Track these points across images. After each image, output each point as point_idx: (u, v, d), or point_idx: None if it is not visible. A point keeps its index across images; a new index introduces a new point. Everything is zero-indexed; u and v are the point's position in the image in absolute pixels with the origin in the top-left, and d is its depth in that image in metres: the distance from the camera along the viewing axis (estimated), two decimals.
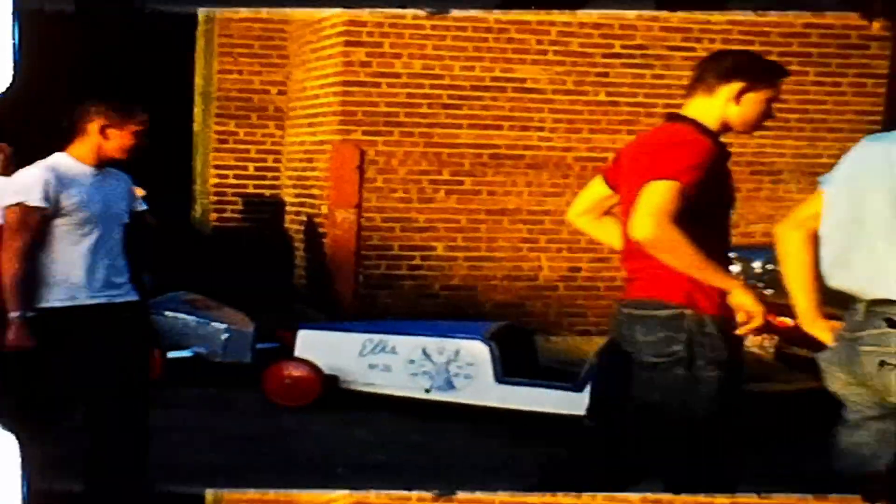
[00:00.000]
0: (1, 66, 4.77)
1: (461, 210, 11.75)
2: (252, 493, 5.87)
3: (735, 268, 9.94)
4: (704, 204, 4.81)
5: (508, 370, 8.94)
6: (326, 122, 11.85)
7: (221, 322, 10.05)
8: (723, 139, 5.10)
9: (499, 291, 11.81)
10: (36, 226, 5.76)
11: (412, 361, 9.05)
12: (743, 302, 4.84)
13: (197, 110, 12.95)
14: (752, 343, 9.42)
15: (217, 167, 12.93)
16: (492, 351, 8.93)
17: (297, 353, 9.35)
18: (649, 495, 5.24)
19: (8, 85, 4.82)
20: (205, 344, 9.99)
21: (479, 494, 5.48)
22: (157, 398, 9.29)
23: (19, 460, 4.75)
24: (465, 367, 8.95)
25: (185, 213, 12.99)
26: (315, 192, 12.13)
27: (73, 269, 5.86)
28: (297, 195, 12.57)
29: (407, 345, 9.10)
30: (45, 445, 4.96)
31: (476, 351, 8.96)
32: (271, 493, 5.81)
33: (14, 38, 4.72)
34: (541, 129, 11.79)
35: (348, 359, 9.20)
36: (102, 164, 5.99)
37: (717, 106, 5.08)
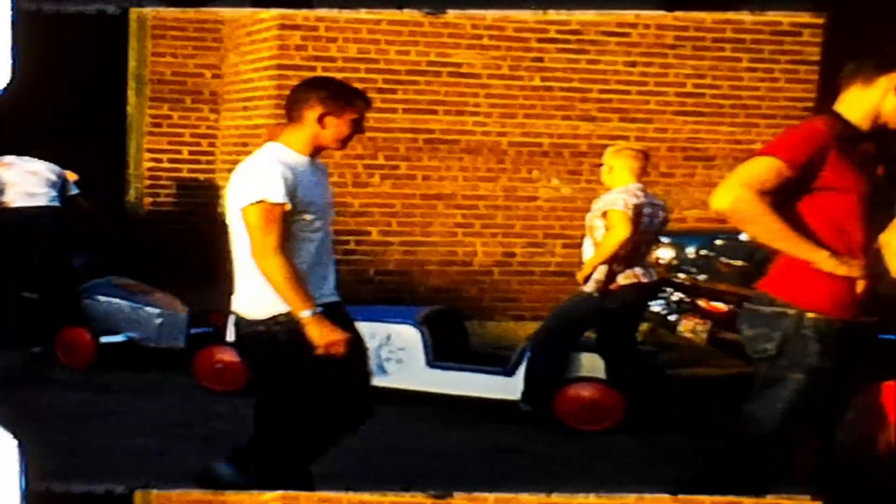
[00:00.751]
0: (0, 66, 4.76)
1: (396, 195, 11.74)
2: (180, 493, 5.82)
3: (668, 253, 10.02)
4: (813, 187, 4.76)
5: (440, 355, 8.96)
6: (261, 105, 11.80)
7: (155, 307, 10.00)
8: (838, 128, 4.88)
9: (433, 276, 11.82)
10: (281, 223, 5.31)
11: None
12: (833, 270, 4.71)
13: (130, 93, 12.86)
14: (684, 328, 9.49)
15: (151, 151, 12.85)
16: (423, 335, 8.95)
17: (229, 337, 9.31)
18: (646, 496, 5.23)
19: (7, 83, 4.79)
20: (138, 329, 9.94)
21: (475, 494, 5.48)
22: (90, 383, 9.30)
23: (18, 461, 4.73)
24: (396, 351, 8.96)
25: (120, 197, 12.90)
26: None
27: (307, 268, 5.47)
28: None
29: None
30: (45, 446, 4.95)
31: (407, 335, 8.97)
32: (197, 493, 5.77)
33: (12, 38, 4.69)
34: (476, 113, 11.80)
35: None
36: (314, 154, 5.58)
37: (872, 97, 4.90)
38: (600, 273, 8.22)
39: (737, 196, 4.68)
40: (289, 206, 5.32)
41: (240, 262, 5.54)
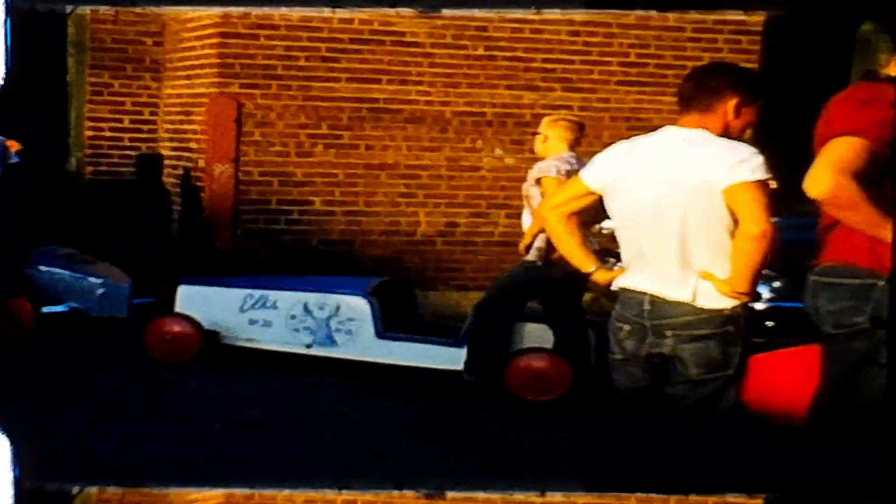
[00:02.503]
0: None
1: (339, 164, 11.70)
2: (121, 491, 5.79)
3: (611, 223, 10.02)
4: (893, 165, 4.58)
5: (389, 325, 8.97)
6: (203, 74, 11.72)
7: (97, 277, 9.95)
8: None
9: (377, 246, 11.80)
10: None
11: (293, 317, 9.05)
12: None
13: (70, 61, 12.73)
14: None
15: (91, 119, 12.73)
16: (372, 306, 8.96)
17: (178, 308, 9.29)
18: (642, 495, 5.21)
19: (2, 81, 4.75)
20: (80, 299, 9.89)
21: (468, 494, 5.48)
22: (32, 354, 9.24)
23: (10, 459, 4.68)
24: (346, 322, 8.97)
25: (61, 165, 12.78)
26: (192, 145, 12.01)
27: None
28: (174, 149, 12.43)
29: (288, 300, 9.09)
30: (39, 444, 4.90)
31: (357, 306, 8.98)
32: (142, 491, 5.74)
33: (7, 37, 4.65)
34: (419, 83, 11.77)
35: (229, 314, 9.17)
36: None
37: None
38: (541, 241, 8.24)
39: (835, 183, 4.52)
40: None
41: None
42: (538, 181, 8.23)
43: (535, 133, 8.67)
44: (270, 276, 10.10)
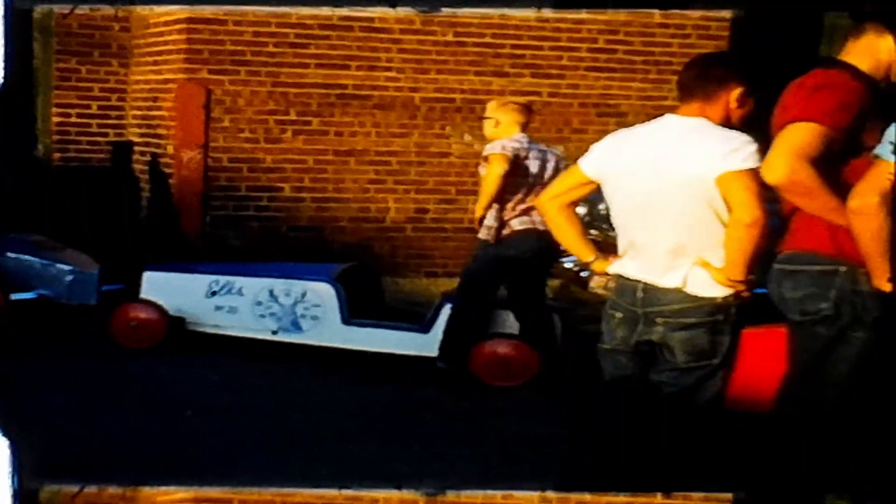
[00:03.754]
0: None
1: (308, 151, 11.68)
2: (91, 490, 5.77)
3: (581, 209, 10.04)
4: (852, 149, 4.60)
5: (355, 311, 8.97)
6: (171, 60, 11.68)
7: (66, 264, 9.90)
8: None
9: (346, 233, 11.79)
10: None
11: (259, 303, 9.05)
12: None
13: (36, 46, 12.66)
14: (596, 285, 9.54)
15: (59, 105, 12.67)
16: (338, 292, 8.96)
17: (143, 294, 9.28)
18: (640, 496, 5.20)
19: (2, 80, 4.73)
20: (49, 286, 9.84)
21: (469, 494, 5.49)
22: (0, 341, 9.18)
23: (9, 461, 4.66)
24: (311, 308, 8.97)
25: (29, 152, 12.71)
26: (161, 131, 11.97)
27: None
28: (143, 135, 12.39)
29: (254, 286, 9.08)
30: (37, 446, 4.87)
31: (323, 292, 8.98)
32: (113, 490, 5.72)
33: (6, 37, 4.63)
34: (388, 69, 11.76)
35: (195, 300, 9.16)
36: None
37: (885, 49, 4.77)
38: (490, 219, 8.30)
39: (791, 168, 4.53)
40: None
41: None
42: (485, 159, 8.31)
43: (484, 118, 8.67)
44: (236, 263, 10.08)
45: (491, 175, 8.24)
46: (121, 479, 5.75)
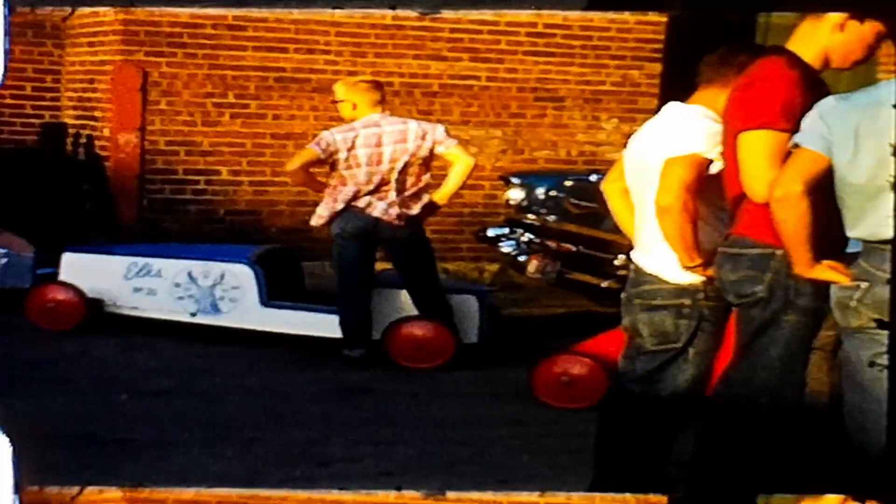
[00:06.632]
0: None
1: (246, 134, 11.64)
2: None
3: (519, 193, 10.08)
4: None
5: (274, 293, 8.96)
6: (108, 41, 11.59)
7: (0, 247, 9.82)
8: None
9: (284, 216, 11.75)
10: None
11: (178, 285, 9.02)
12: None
13: None
14: (533, 269, 9.58)
15: None
16: (256, 274, 8.96)
17: (62, 276, 9.23)
18: (642, 496, 5.19)
19: (1, 80, 4.69)
20: None
21: (467, 494, 5.46)
22: None
23: (11, 461, 4.60)
24: (230, 290, 8.96)
25: None
26: (97, 114, 11.87)
27: None
28: (79, 117, 12.28)
29: (172, 268, 9.06)
30: (39, 447, 4.80)
31: (241, 274, 8.97)
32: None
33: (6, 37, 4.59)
34: (327, 52, 11.73)
35: (113, 282, 9.12)
36: None
37: (820, 35, 4.74)
38: (323, 207, 8.44)
39: (780, 182, 4.46)
40: None
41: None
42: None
43: (336, 101, 8.67)
44: (156, 244, 10.03)
45: (287, 168, 8.59)
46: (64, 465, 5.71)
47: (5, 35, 4.76)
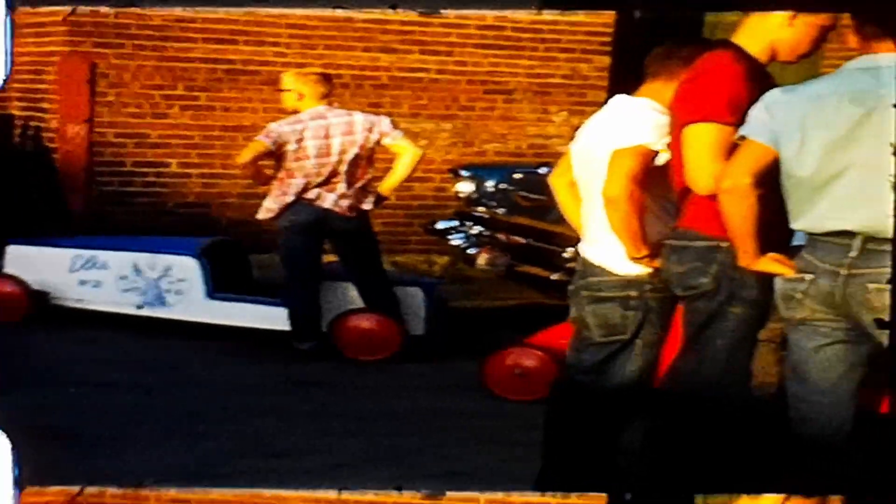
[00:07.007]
0: None
1: (195, 126, 11.60)
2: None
3: (468, 186, 10.10)
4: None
5: (221, 286, 8.95)
6: (54, 32, 11.51)
7: None
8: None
9: (233, 209, 11.72)
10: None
11: (123, 277, 9.00)
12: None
13: None
14: (483, 261, 9.60)
15: None
16: (202, 266, 8.95)
17: (6, 269, 9.18)
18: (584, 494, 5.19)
19: (4, 78, 4.66)
20: None
21: (467, 493, 5.45)
22: None
23: (10, 461, 4.56)
24: (176, 282, 8.95)
25: None
26: (44, 105, 11.80)
27: None
28: (25, 108, 12.20)
29: (118, 260, 9.04)
30: (39, 446, 4.76)
31: (187, 266, 8.96)
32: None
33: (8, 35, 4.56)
34: (276, 44, 11.70)
35: (58, 274, 9.08)
36: None
37: (768, 29, 4.75)
38: (270, 201, 8.48)
39: (727, 174, 4.49)
40: None
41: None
42: None
43: (282, 90, 8.68)
44: (101, 237, 9.98)
45: (238, 161, 8.64)
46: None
47: (6, 35, 4.75)
